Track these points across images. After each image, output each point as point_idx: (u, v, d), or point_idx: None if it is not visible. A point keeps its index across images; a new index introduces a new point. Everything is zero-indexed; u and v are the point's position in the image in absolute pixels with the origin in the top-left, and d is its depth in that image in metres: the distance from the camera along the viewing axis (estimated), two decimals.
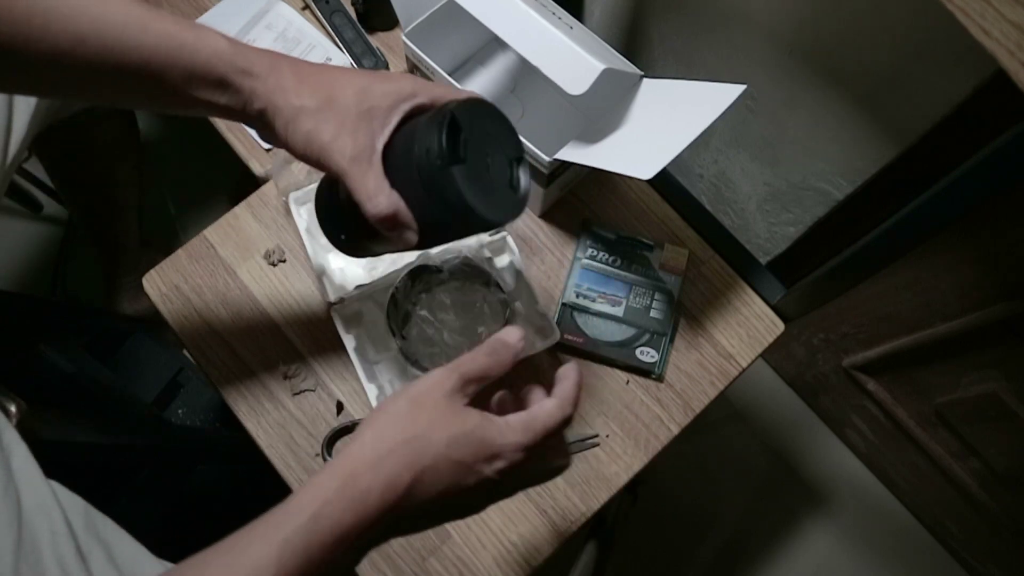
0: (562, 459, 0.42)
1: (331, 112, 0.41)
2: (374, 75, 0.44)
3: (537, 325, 0.64)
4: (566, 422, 0.40)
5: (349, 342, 0.63)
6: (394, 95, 0.43)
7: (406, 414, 0.37)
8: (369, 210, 0.41)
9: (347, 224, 0.48)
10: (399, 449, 0.36)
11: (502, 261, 0.67)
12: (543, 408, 0.40)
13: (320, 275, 0.65)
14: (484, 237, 0.66)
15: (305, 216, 0.66)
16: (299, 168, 0.67)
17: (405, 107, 0.43)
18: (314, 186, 0.65)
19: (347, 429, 0.64)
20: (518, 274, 0.65)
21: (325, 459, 0.62)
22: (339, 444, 0.64)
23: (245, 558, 0.33)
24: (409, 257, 0.64)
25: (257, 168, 0.76)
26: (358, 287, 0.64)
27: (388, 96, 0.43)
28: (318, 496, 0.35)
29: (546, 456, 0.41)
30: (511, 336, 0.41)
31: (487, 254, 0.66)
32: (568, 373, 0.42)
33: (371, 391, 0.62)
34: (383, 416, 0.38)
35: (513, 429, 0.38)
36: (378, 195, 0.41)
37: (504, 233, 0.66)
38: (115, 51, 0.39)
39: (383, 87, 0.43)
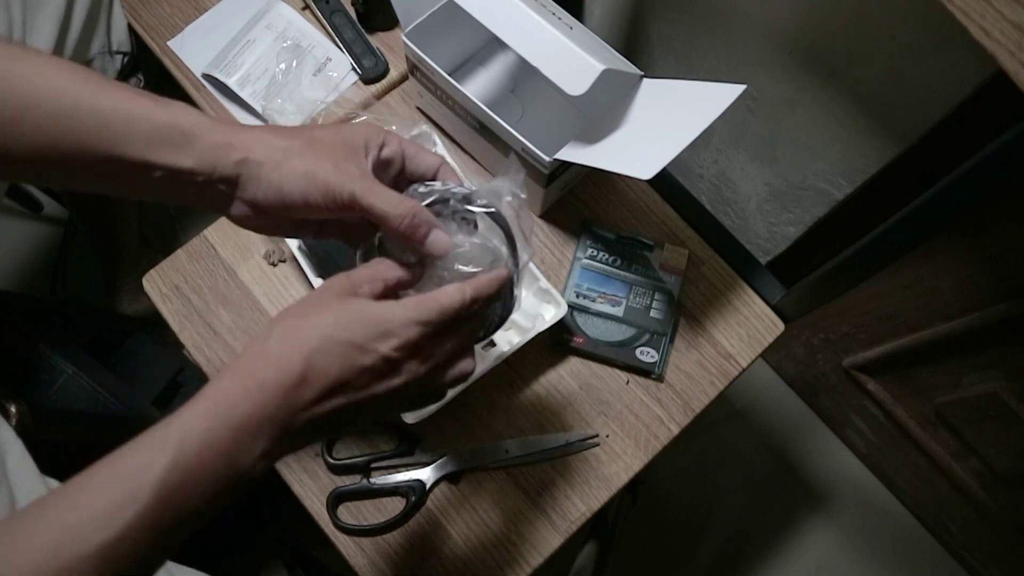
0: (466, 359, 0.40)
1: (319, 148, 0.39)
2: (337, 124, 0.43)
3: (543, 301, 0.64)
4: (467, 306, 0.38)
5: None
6: (363, 135, 0.41)
7: (295, 309, 0.37)
8: (397, 214, 0.39)
9: (349, 256, 0.49)
10: (288, 337, 0.35)
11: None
12: (442, 290, 0.38)
13: None
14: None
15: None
16: None
17: (375, 148, 0.42)
18: None
19: None
20: None
21: (325, 459, 0.62)
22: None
23: (143, 446, 0.33)
24: None
25: None
26: None
27: (359, 134, 0.41)
28: (217, 389, 0.34)
29: (449, 345, 0.39)
30: (431, 245, 0.40)
31: None
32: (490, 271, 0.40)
33: None
34: (276, 318, 0.37)
35: (403, 305, 0.37)
36: (401, 201, 0.39)
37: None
38: (69, 115, 0.36)
39: (352, 128, 0.41)
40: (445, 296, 0.38)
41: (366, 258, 0.42)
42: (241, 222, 0.42)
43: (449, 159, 0.66)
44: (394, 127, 0.66)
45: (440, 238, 0.40)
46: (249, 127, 0.40)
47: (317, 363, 0.35)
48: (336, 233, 0.45)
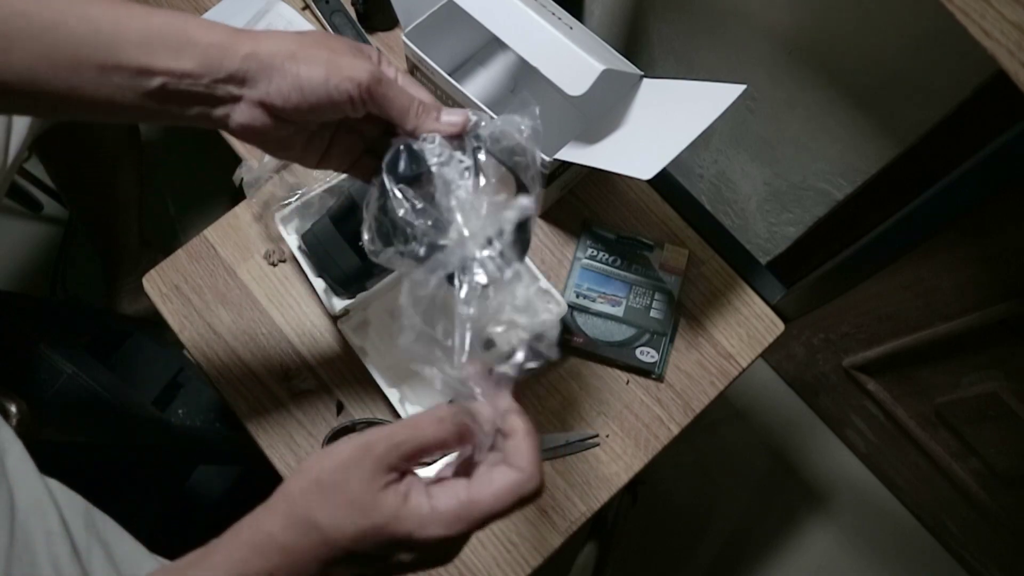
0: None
1: (331, 42, 0.37)
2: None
3: (543, 301, 0.64)
4: (524, 501, 0.32)
5: (362, 352, 0.63)
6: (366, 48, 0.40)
7: (317, 497, 0.33)
8: (412, 103, 0.38)
9: (348, 256, 0.48)
10: (305, 538, 0.32)
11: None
12: (487, 489, 0.32)
13: (320, 291, 0.64)
14: None
15: (294, 235, 0.65)
16: (274, 182, 0.66)
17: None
18: (295, 201, 0.65)
19: (347, 429, 0.64)
20: None
21: None
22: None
23: None
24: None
25: (257, 168, 0.76)
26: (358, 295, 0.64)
27: (363, 47, 0.40)
28: (224, 564, 0.33)
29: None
30: (483, 412, 0.33)
31: None
32: (515, 427, 0.33)
33: (393, 395, 0.61)
34: (297, 492, 0.34)
35: (438, 521, 0.32)
36: (412, 93, 0.38)
37: None
38: (59, 25, 0.34)
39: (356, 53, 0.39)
40: (495, 501, 0.32)
41: None
42: (247, 133, 0.38)
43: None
44: None
45: (453, 115, 0.39)
46: (245, 31, 0.37)
47: (335, 571, 0.33)
48: (340, 155, 0.43)
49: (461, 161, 0.38)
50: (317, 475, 0.33)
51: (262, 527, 0.33)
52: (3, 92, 0.35)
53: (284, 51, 0.36)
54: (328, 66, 0.36)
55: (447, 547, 0.34)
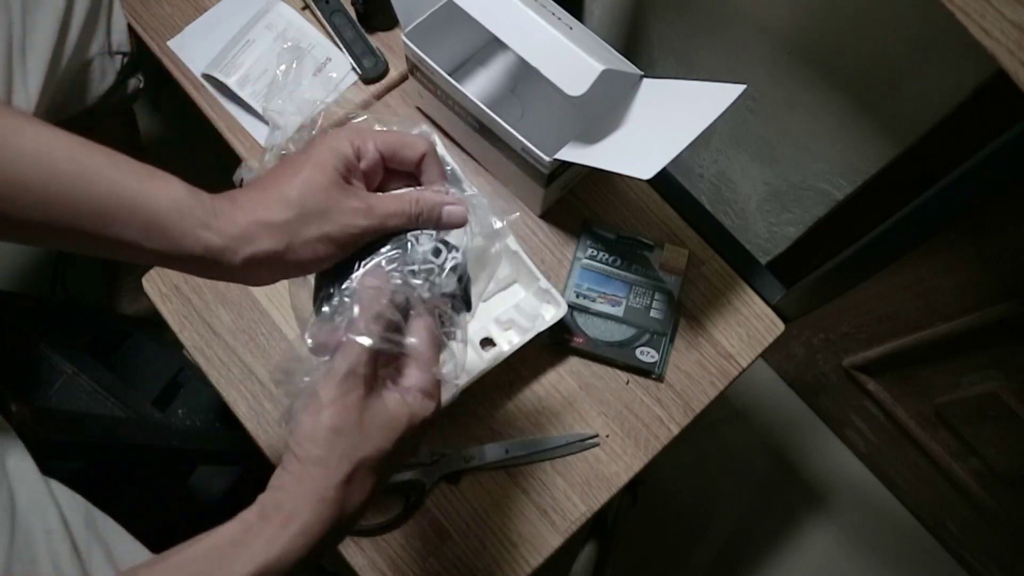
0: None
1: (314, 206, 0.38)
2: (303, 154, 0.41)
3: (543, 301, 0.64)
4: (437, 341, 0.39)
5: None
6: (335, 156, 0.40)
7: (342, 443, 0.36)
8: (408, 214, 0.41)
9: None
10: (356, 473, 0.36)
11: (495, 247, 0.66)
12: (418, 345, 0.38)
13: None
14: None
15: None
16: None
17: (355, 165, 0.40)
18: None
19: None
20: (515, 255, 0.65)
21: None
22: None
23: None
24: None
25: (257, 168, 0.76)
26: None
27: (331, 158, 0.39)
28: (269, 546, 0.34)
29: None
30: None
31: (479, 241, 0.65)
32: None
33: None
34: (319, 451, 0.37)
35: (422, 391, 0.38)
36: (401, 202, 0.41)
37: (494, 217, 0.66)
38: (64, 200, 0.35)
39: (322, 152, 0.40)
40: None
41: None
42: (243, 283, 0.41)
43: (450, 160, 0.66)
44: (395, 127, 0.66)
45: (454, 212, 0.42)
46: (234, 211, 0.37)
47: (389, 465, 0.37)
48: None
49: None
50: (329, 428, 0.36)
51: (306, 490, 0.36)
52: (5, 235, 0.36)
53: (281, 247, 0.37)
54: (325, 244, 0.38)
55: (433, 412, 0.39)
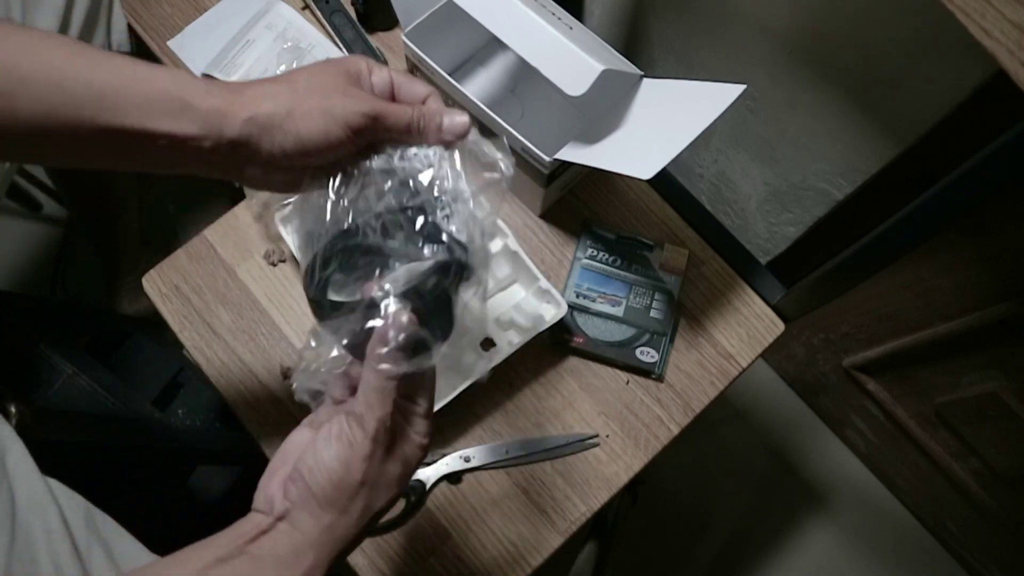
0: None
1: (323, 85, 0.39)
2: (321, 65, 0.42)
3: (543, 301, 0.64)
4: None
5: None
6: (354, 64, 0.41)
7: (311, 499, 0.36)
8: (413, 115, 0.41)
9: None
10: (323, 535, 0.36)
11: (495, 246, 0.67)
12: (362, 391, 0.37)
13: None
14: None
15: (294, 235, 0.65)
16: None
17: (367, 76, 0.42)
18: (295, 201, 0.65)
19: None
20: (515, 255, 0.65)
21: None
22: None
23: None
24: None
25: None
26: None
27: (351, 64, 0.41)
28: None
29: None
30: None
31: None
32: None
33: None
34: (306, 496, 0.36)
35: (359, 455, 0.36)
36: (406, 107, 0.41)
37: (494, 216, 0.66)
38: (63, 88, 0.35)
39: (340, 59, 0.42)
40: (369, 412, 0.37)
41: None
42: (254, 184, 0.41)
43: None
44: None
45: (455, 120, 0.41)
46: (241, 85, 0.38)
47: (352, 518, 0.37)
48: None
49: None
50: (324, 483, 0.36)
51: (294, 539, 0.36)
52: (12, 143, 0.37)
53: (282, 110, 0.38)
54: (325, 117, 0.38)
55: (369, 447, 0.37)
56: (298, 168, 0.40)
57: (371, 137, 0.40)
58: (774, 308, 0.69)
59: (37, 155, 0.39)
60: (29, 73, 0.35)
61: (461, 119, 0.42)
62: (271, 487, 0.37)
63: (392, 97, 0.43)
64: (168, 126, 0.36)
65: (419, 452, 0.39)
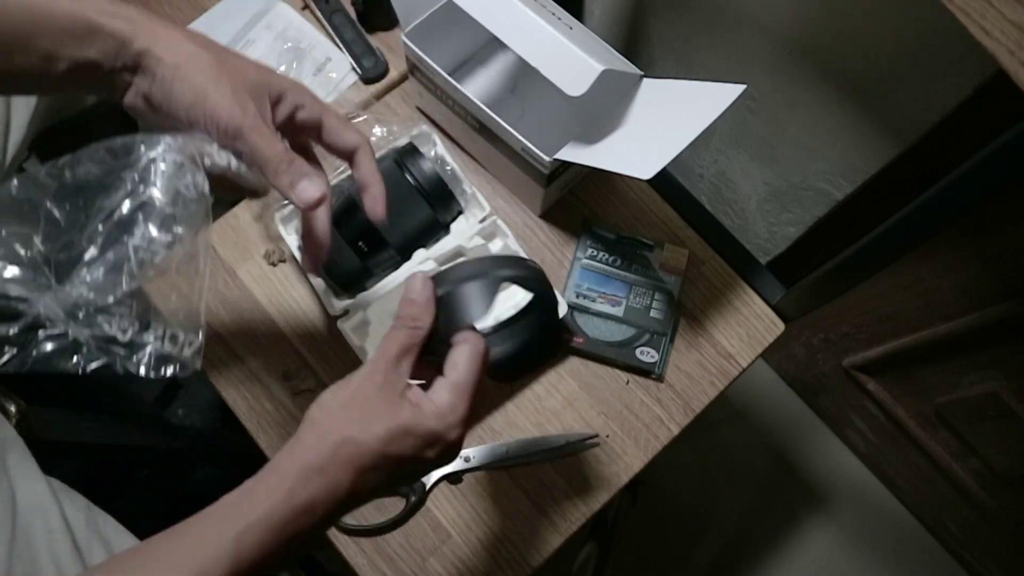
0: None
1: (225, 70, 0.38)
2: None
3: None
4: (483, 355, 0.41)
5: (362, 352, 0.63)
6: (281, 85, 0.41)
7: (343, 416, 0.37)
8: (275, 158, 0.39)
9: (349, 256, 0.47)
10: (339, 453, 0.36)
11: (495, 246, 0.67)
12: (458, 370, 0.39)
13: (320, 291, 0.64)
14: (475, 223, 0.65)
15: (294, 235, 0.65)
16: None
17: (287, 105, 0.41)
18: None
19: None
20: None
21: None
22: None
23: (200, 548, 0.34)
24: (405, 274, 0.63)
25: None
26: (358, 295, 0.64)
27: (277, 81, 0.41)
28: (270, 498, 0.35)
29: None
30: (414, 290, 0.40)
31: (480, 240, 0.65)
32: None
33: None
34: (322, 418, 0.38)
35: (448, 411, 0.38)
36: (282, 149, 0.39)
37: (494, 217, 0.66)
38: (23, 11, 0.35)
39: (273, 73, 0.41)
40: (469, 373, 0.40)
41: None
42: (134, 113, 0.40)
43: (450, 160, 0.66)
44: (395, 127, 0.66)
45: (306, 188, 0.40)
46: (164, 21, 0.38)
47: (368, 477, 0.37)
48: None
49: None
50: (340, 401, 0.38)
51: (298, 459, 0.36)
52: None
53: (171, 60, 0.37)
54: (198, 95, 0.37)
55: (458, 434, 0.39)
56: (168, 121, 0.39)
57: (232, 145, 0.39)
58: (774, 308, 0.69)
59: None
60: None
61: (314, 194, 0.41)
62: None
63: (318, 134, 0.43)
64: (71, 52, 0.36)
65: (439, 421, 0.39)
